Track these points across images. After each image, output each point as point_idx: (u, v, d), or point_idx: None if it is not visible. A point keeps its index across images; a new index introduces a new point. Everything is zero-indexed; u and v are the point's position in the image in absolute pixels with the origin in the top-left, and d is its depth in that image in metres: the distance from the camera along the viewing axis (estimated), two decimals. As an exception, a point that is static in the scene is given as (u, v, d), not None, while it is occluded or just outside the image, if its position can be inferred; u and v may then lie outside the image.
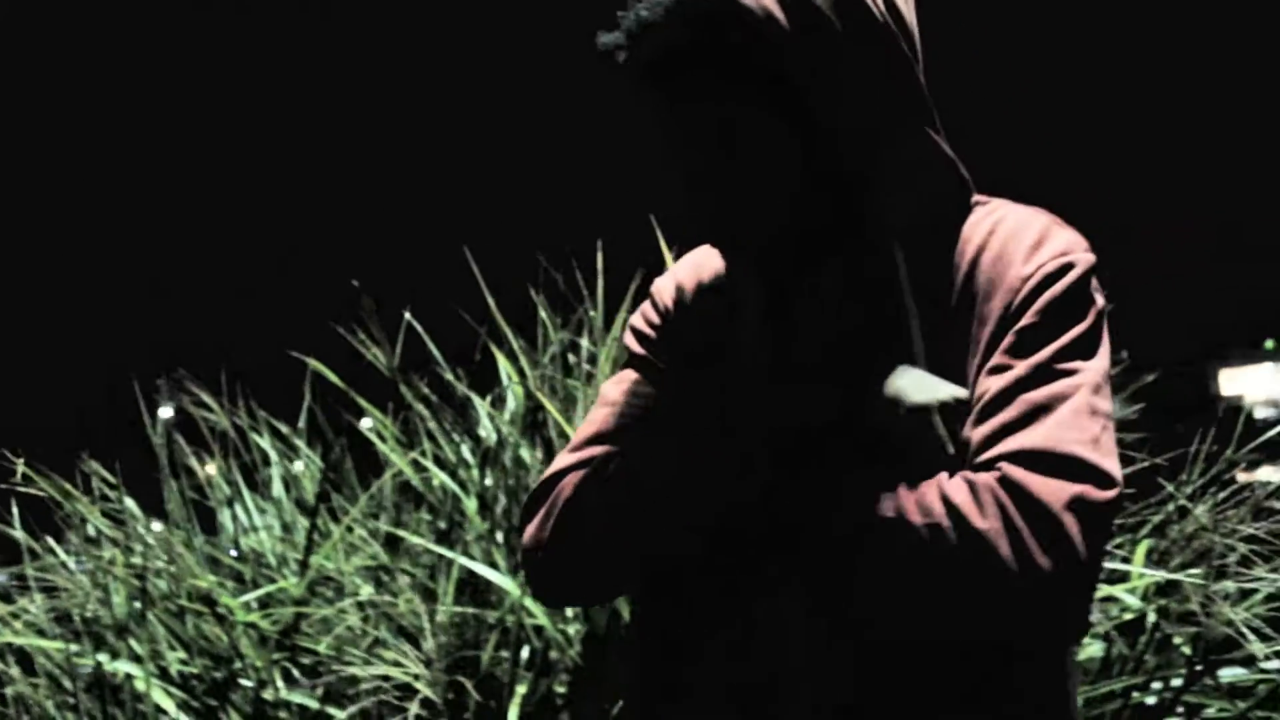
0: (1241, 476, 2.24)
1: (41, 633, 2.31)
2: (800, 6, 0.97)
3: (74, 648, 2.19)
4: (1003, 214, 1.06)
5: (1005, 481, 0.90)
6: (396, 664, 2.03)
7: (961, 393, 0.96)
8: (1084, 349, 0.98)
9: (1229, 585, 1.94)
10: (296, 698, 2.21)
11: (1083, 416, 0.93)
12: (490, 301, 2.52)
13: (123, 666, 2.17)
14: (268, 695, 2.20)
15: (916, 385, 0.96)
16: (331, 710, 2.19)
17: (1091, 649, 2.12)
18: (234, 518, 2.64)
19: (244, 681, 2.22)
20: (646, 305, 1.21)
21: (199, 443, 2.90)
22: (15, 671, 2.18)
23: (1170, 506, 2.19)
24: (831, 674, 0.96)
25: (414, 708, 1.93)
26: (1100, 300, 1.01)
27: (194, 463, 2.86)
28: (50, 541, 2.46)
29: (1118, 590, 2.05)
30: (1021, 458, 0.91)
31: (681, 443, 1.00)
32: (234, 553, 2.49)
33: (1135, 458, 2.27)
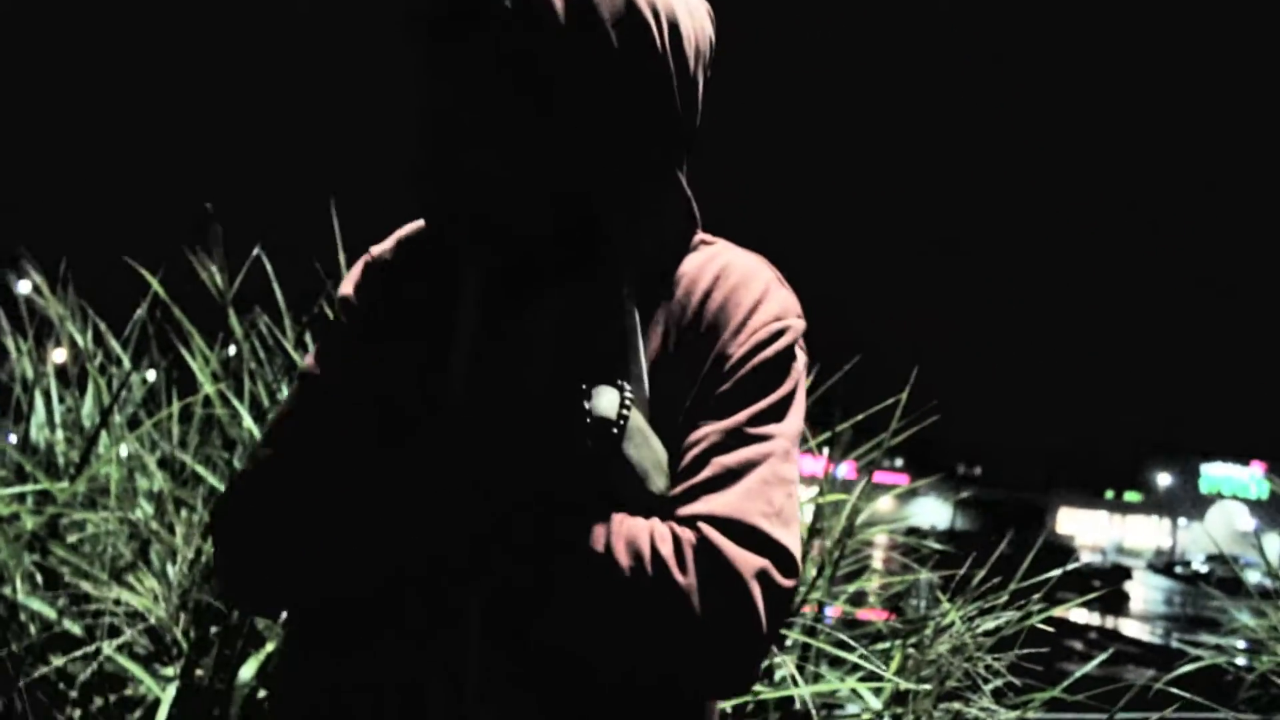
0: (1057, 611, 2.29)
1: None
2: (582, 6, 0.99)
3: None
4: (727, 261, 1.09)
5: (703, 542, 0.95)
6: (131, 589, 1.96)
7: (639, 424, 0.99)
8: (778, 414, 1.04)
9: (955, 706, 1.97)
10: (35, 603, 2.12)
11: (770, 486, 1.00)
12: (341, 255, 2.47)
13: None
14: (5, 591, 2.12)
15: (609, 404, 0.98)
16: (69, 624, 2.11)
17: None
18: (29, 404, 2.55)
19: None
20: (358, 272, 1.18)
21: (18, 327, 2.81)
22: None
23: (942, 621, 2.23)
24: (510, 708, 0.98)
25: (138, 635, 1.87)
26: (803, 361, 1.09)
27: (9, 343, 2.77)
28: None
29: (863, 688, 2.07)
30: (716, 522, 0.97)
31: (388, 488, 0.99)
32: (12, 438, 2.39)
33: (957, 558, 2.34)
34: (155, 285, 2.30)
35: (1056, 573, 2.28)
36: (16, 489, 2.26)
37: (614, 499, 0.97)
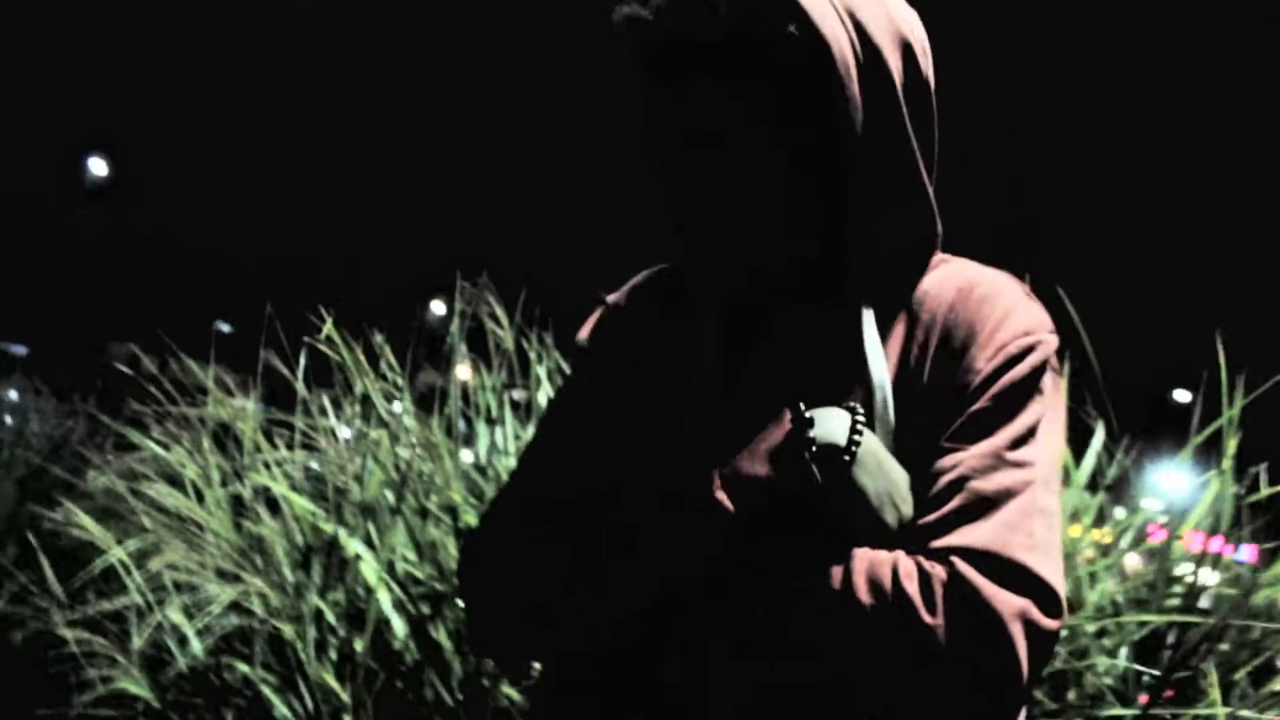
0: None
1: (294, 487, 2.38)
2: (870, 51, 0.98)
3: (320, 512, 2.24)
4: (970, 276, 1.04)
5: (956, 579, 0.89)
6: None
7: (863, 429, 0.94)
8: (1037, 438, 0.97)
9: None
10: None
11: (1030, 518, 0.93)
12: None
13: (357, 547, 2.20)
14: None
15: (838, 429, 0.94)
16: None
17: None
18: (491, 435, 2.65)
19: (460, 601, 2.22)
20: (595, 319, 1.18)
21: (480, 351, 2.94)
22: (265, 515, 2.25)
23: None
24: None
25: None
26: (1058, 384, 1.02)
27: (469, 372, 2.90)
28: (325, 402, 2.52)
29: None
30: (972, 556, 0.90)
31: (632, 545, 0.97)
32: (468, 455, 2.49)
33: None
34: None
35: None
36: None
37: (847, 531, 0.92)
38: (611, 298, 1.19)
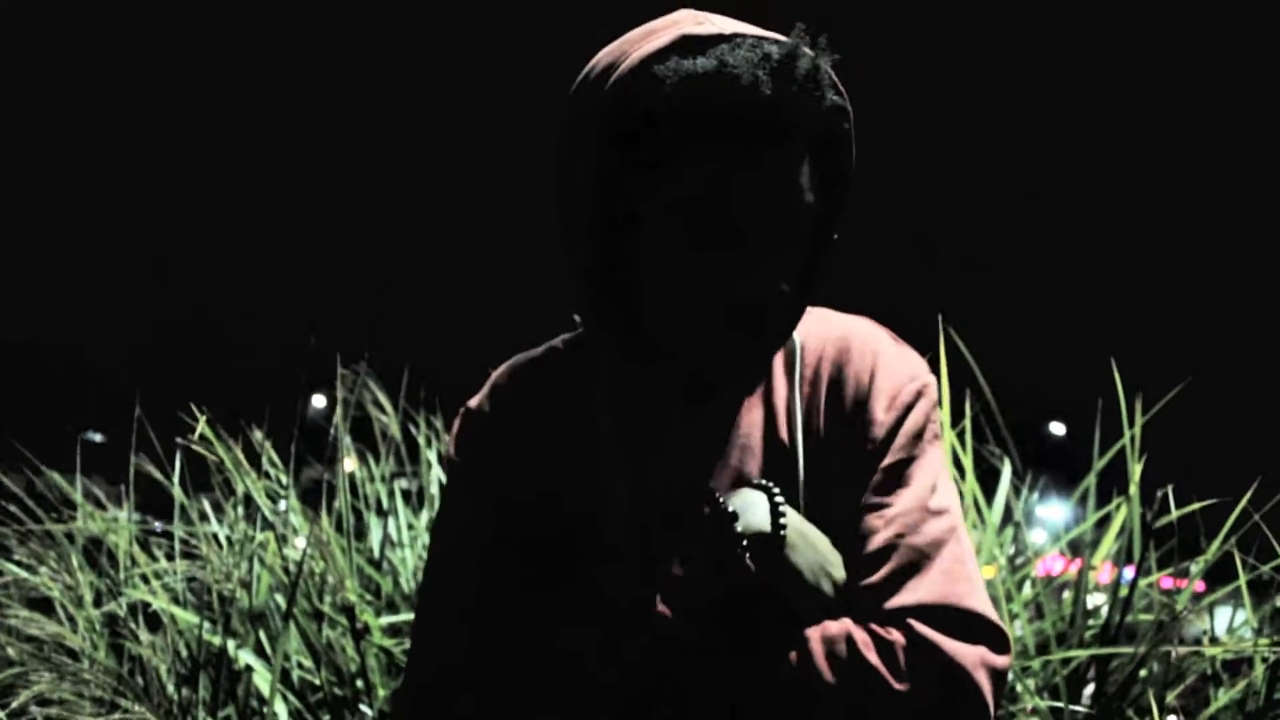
0: None
1: (176, 600, 2.22)
2: (844, 110, 1.00)
3: (204, 625, 2.09)
4: (842, 328, 1.06)
5: (916, 641, 0.90)
6: None
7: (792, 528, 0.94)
8: (945, 482, 1.00)
9: None
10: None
11: (964, 563, 0.96)
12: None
13: (247, 657, 2.06)
14: (385, 727, 2.06)
15: (760, 517, 0.93)
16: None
17: None
18: (384, 527, 2.53)
19: (364, 708, 2.09)
20: (460, 429, 1.12)
21: (365, 440, 2.82)
22: (143, 634, 2.09)
23: None
24: None
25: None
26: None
27: (354, 461, 2.78)
28: (206, 507, 2.38)
29: None
30: (924, 613, 0.91)
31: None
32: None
33: None
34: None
35: None
36: (391, 618, 2.22)
37: (788, 610, 0.92)
38: (473, 403, 1.13)
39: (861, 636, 0.90)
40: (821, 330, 1.06)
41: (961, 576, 0.94)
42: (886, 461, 0.98)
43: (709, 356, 0.98)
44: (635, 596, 0.94)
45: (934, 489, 0.98)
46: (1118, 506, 2.10)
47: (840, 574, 0.94)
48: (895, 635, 0.91)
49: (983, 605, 0.94)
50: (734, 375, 1.02)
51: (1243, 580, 1.87)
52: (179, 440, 2.09)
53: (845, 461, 0.99)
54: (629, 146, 0.94)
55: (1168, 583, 2.12)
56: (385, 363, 3.00)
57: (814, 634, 0.91)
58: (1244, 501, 1.87)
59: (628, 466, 1.01)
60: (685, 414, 1.02)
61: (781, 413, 1.02)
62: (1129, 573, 1.97)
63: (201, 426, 2.06)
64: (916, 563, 0.94)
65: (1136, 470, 1.94)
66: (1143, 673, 1.98)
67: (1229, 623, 2.09)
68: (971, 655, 0.90)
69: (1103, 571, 2.31)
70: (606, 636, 0.94)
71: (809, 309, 1.06)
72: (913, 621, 0.91)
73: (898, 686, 0.88)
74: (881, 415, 0.99)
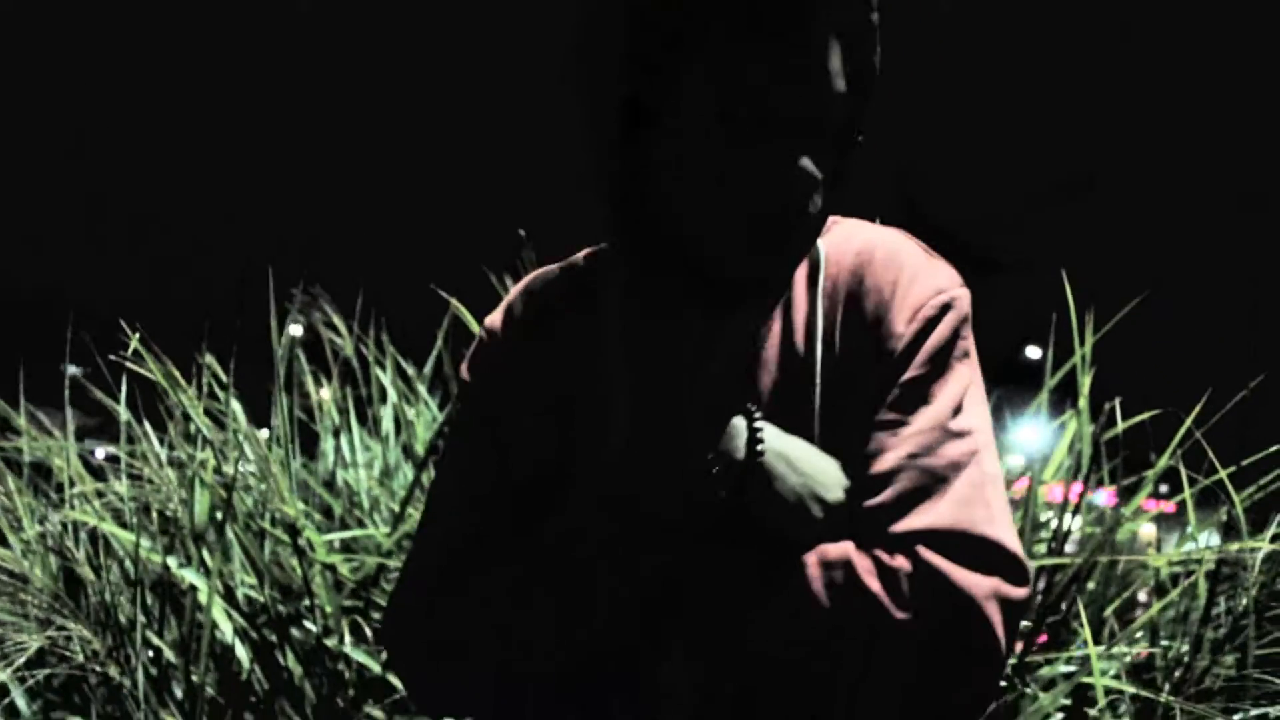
0: None
1: (122, 521, 2.20)
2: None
3: (145, 544, 2.07)
4: (867, 239, 0.99)
5: (923, 568, 0.84)
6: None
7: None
8: (972, 404, 0.93)
9: None
10: (359, 655, 2.06)
11: (983, 488, 0.89)
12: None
13: (189, 576, 2.04)
14: (330, 643, 2.06)
15: (735, 444, 0.88)
16: (392, 678, 2.04)
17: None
18: (336, 449, 2.51)
19: (309, 624, 2.08)
20: (476, 349, 1.10)
21: (320, 363, 2.79)
22: (82, 554, 2.07)
23: None
24: None
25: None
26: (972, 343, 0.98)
27: (310, 383, 2.75)
28: (148, 428, 2.35)
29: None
30: (934, 538, 0.85)
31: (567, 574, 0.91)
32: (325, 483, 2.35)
33: None
34: (467, 317, 2.20)
35: None
36: (338, 535, 2.20)
37: (779, 537, 0.87)
38: (489, 320, 1.10)
39: (863, 562, 0.85)
40: (845, 241, 1.00)
41: (978, 501, 0.87)
42: (906, 377, 0.92)
43: (734, 257, 0.94)
44: (637, 493, 0.91)
45: (958, 409, 0.91)
46: (1068, 420, 2.08)
47: (835, 496, 0.88)
48: (900, 561, 0.85)
49: (1000, 533, 0.87)
50: (760, 276, 0.96)
51: (1188, 494, 1.86)
52: (110, 357, 2.05)
53: (862, 375, 0.93)
54: (655, 27, 0.91)
55: (1113, 496, 2.11)
56: (340, 285, 2.95)
57: (811, 558, 0.86)
58: (1192, 417, 1.86)
59: (633, 382, 0.97)
60: (703, 329, 0.97)
61: (800, 326, 0.96)
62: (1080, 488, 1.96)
63: (134, 343, 2.02)
64: (929, 485, 0.88)
65: (1086, 382, 1.92)
66: (1091, 585, 1.98)
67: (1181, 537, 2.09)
68: (983, 586, 0.84)
69: (1055, 490, 2.30)
70: (594, 521, 0.92)
71: (836, 219, 1.02)
72: (920, 548, 0.85)
73: (900, 616, 0.83)
74: (901, 328, 0.93)
